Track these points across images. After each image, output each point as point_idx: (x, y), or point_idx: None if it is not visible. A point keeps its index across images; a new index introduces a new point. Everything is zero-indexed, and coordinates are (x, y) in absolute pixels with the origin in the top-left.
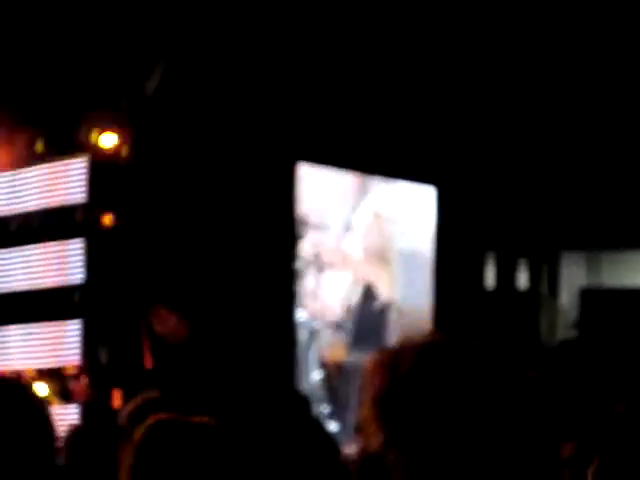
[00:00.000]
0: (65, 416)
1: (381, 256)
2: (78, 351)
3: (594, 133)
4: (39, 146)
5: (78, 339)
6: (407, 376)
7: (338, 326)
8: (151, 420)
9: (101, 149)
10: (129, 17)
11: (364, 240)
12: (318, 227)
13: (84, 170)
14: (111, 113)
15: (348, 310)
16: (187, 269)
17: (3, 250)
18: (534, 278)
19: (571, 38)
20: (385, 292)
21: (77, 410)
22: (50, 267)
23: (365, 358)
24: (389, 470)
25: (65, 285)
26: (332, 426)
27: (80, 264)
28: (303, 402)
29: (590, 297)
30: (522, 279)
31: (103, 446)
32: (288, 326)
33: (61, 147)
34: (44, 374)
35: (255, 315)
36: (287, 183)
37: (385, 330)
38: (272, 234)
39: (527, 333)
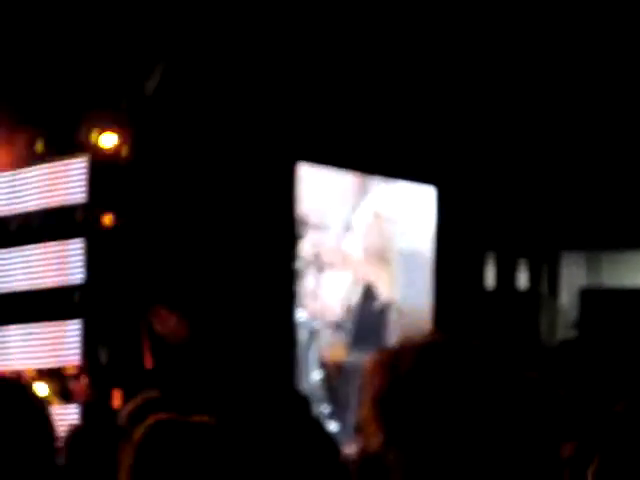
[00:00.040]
0: (65, 416)
1: (381, 256)
2: (78, 351)
3: (594, 133)
4: (39, 146)
5: (78, 339)
6: (407, 376)
7: (338, 326)
8: (151, 420)
9: (101, 149)
10: (129, 17)
11: (364, 240)
12: (318, 227)
13: (84, 170)
14: (111, 113)
15: (348, 310)
16: (187, 269)
17: (3, 250)
18: (534, 278)
19: (571, 38)
20: (385, 292)
21: (77, 410)
22: (50, 267)
23: (365, 358)
24: (389, 470)
25: (65, 285)
26: (332, 426)
27: (80, 264)
28: (303, 402)
29: (590, 297)
30: (522, 279)
31: (103, 446)
32: (288, 326)
33: (61, 147)
34: (44, 374)
35: (255, 315)
36: (287, 183)
37: (385, 330)
38: (272, 234)
39: (527, 333)
